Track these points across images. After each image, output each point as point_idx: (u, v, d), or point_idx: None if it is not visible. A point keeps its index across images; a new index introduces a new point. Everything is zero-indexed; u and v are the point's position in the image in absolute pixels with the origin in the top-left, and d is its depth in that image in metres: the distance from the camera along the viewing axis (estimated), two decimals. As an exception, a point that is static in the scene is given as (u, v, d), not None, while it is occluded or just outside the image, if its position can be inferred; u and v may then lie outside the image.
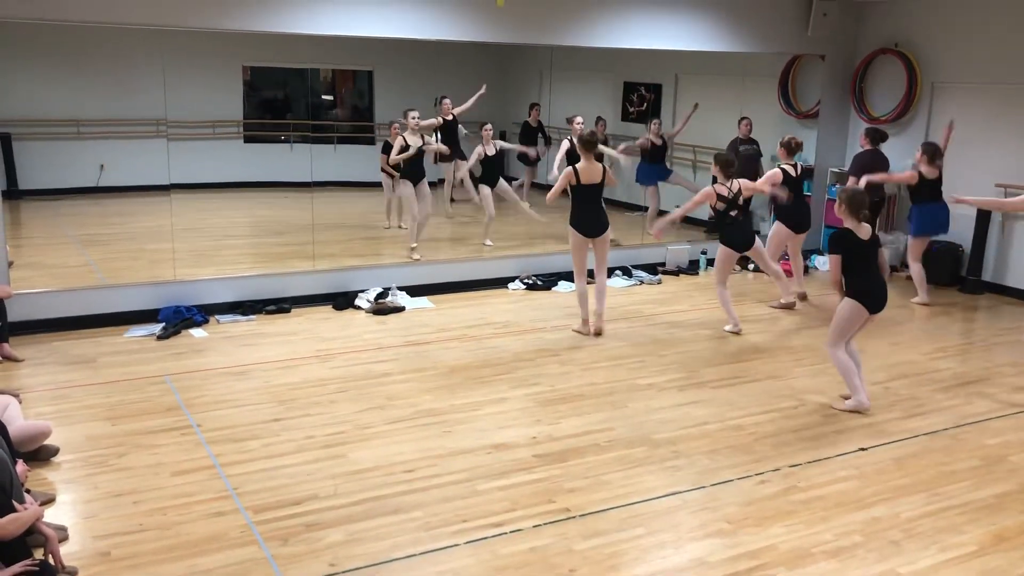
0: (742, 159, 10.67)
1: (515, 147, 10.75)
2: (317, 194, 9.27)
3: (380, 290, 8.32)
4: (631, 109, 11.98)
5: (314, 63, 11.51)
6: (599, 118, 10.77)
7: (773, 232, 8.58)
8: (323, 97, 12.70)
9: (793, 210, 8.43)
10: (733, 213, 7.53)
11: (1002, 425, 5.83)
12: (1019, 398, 6.34)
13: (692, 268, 10.07)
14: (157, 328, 7.23)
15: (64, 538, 4.04)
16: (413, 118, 9.09)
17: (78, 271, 8.70)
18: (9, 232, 7.50)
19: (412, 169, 9.21)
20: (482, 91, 9.93)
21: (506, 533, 4.25)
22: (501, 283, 9.06)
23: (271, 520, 4.31)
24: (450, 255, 9.74)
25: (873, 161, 9.40)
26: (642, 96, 11.84)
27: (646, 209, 10.98)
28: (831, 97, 10.68)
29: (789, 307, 8.49)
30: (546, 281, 9.16)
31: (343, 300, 8.17)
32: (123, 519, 4.29)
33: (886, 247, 9.92)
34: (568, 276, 9.29)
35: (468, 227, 10.27)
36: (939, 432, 5.67)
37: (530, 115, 11.35)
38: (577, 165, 7.24)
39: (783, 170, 8.24)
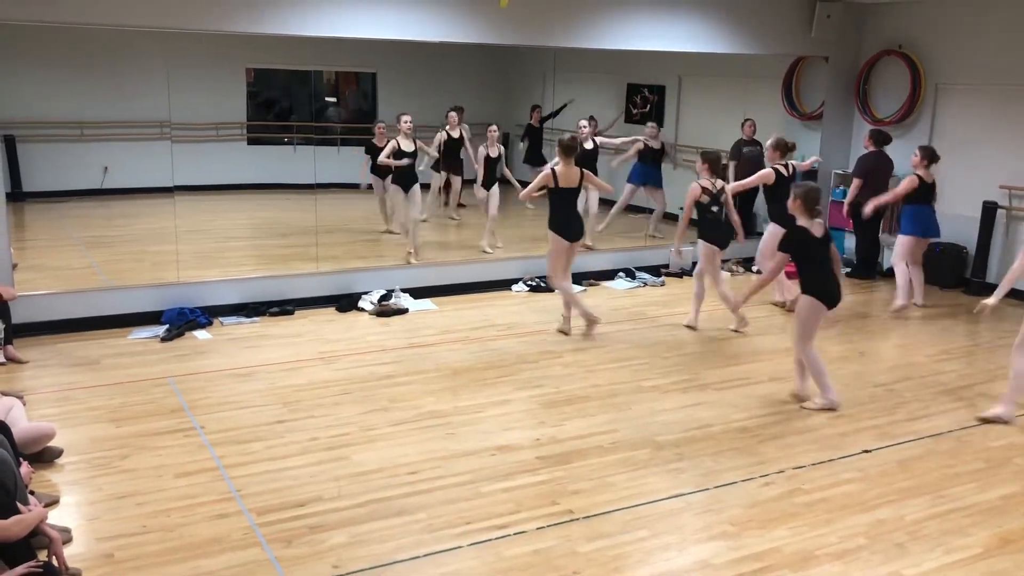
0: (746, 161, 10.69)
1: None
2: (320, 196, 9.29)
3: (384, 292, 8.32)
4: (634, 111, 11.97)
5: (317, 65, 11.53)
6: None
7: (768, 234, 8.39)
8: (326, 99, 12.71)
9: (786, 211, 8.30)
10: (715, 209, 7.53)
11: (1007, 428, 5.81)
12: (1024, 400, 6.33)
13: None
14: (161, 330, 7.24)
15: (68, 540, 4.04)
16: (406, 123, 9.01)
17: (82, 273, 8.71)
18: (13, 234, 7.50)
19: (404, 175, 9.17)
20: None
21: (510, 535, 4.24)
22: (504, 285, 9.06)
23: (275, 522, 4.31)
24: (454, 257, 9.73)
25: (877, 163, 9.39)
26: (645, 98, 11.84)
27: (651, 211, 10.97)
28: (835, 99, 10.66)
29: (780, 305, 8.53)
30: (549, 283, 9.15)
31: (347, 302, 8.17)
32: (127, 521, 4.29)
33: (890, 248, 9.91)
34: (572, 278, 9.30)
35: (475, 230, 10.26)
36: (944, 434, 5.66)
37: (531, 117, 11.35)
38: (556, 168, 7.21)
39: (775, 170, 8.14)
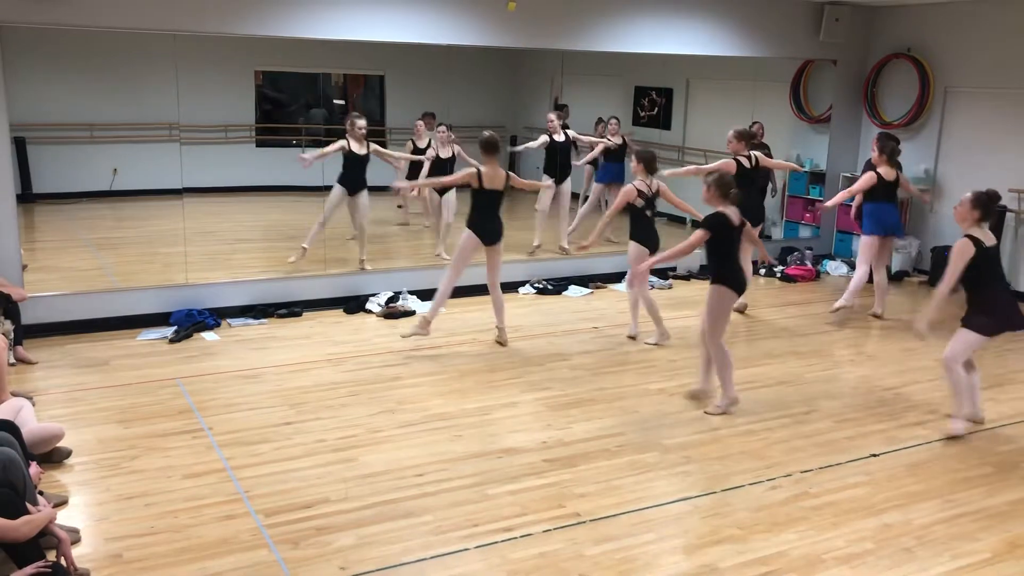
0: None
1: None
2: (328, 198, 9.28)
3: (391, 294, 8.33)
4: (642, 114, 11.97)
5: (326, 68, 11.57)
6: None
7: None
8: (335, 101, 12.74)
9: (747, 204, 7.80)
10: (648, 213, 7.26)
11: (1015, 431, 5.79)
12: (1033, 404, 6.31)
13: (703, 272, 10.05)
14: (169, 331, 7.27)
15: (76, 540, 4.06)
16: (360, 129, 8.74)
17: (91, 274, 8.75)
18: (23, 235, 7.55)
19: (351, 177, 8.84)
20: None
21: (516, 538, 4.24)
22: (512, 287, 9.04)
23: (282, 523, 4.32)
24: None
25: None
26: (653, 101, 11.83)
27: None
28: (843, 102, 10.65)
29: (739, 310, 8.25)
30: (556, 285, 9.16)
31: (354, 304, 8.19)
32: (135, 521, 4.31)
33: (898, 252, 9.89)
34: (578, 280, 9.32)
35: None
36: (952, 438, 5.64)
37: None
38: (482, 169, 6.96)
39: (737, 161, 7.84)
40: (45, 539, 3.71)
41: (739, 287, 5.87)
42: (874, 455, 5.34)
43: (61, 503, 4.41)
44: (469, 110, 10.20)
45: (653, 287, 9.47)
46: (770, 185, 10.86)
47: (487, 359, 6.93)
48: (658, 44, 9.24)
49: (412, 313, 8.07)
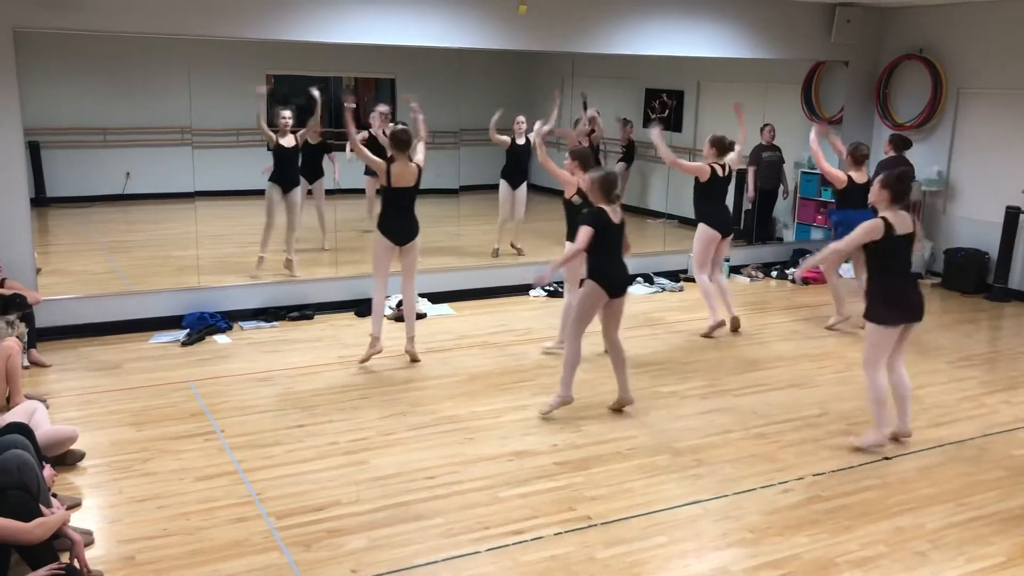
0: (765, 166, 10.65)
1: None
2: (340, 201, 9.32)
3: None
4: (652, 116, 11.95)
5: (337, 71, 11.57)
6: (625, 119, 10.62)
7: (697, 236, 7.78)
8: (345, 105, 12.71)
9: (714, 212, 7.77)
10: (586, 210, 7.13)
11: (1029, 435, 5.76)
12: (1047, 407, 6.27)
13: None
14: (181, 334, 7.30)
15: (90, 542, 4.08)
16: (283, 118, 8.74)
17: (104, 278, 8.79)
18: (37, 239, 7.60)
19: (283, 173, 8.76)
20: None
21: (527, 541, 4.24)
22: (522, 290, 9.06)
23: (294, 526, 4.33)
24: (470, 262, 9.74)
25: (897, 168, 9.31)
26: (664, 103, 11.82)
27: (660, 216, 10.92)
28: (855, 103, 10.61)
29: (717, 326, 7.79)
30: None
31: (366, 307, 8.18)
32: (147, 524, 4.33)
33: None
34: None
35: (492, 235, 10.27)
36: (965, 442, 5.61)
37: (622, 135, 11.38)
38: (391, 166, 6.52)
39: (711, 168, 7.67)
40: (59, 541, 3.73)
41: (611, 287, 5.69)
42: (887, 458, 5.31)
43: (74, 505, 4.44)
44: (480, 112, 10.19)
45: (664, 289, 9.47)
46: (782, 187, 10.86)
47: (498, 362, 6.94)
48: (669, 46, 9.23)
49: (423, 316, 8.07)
